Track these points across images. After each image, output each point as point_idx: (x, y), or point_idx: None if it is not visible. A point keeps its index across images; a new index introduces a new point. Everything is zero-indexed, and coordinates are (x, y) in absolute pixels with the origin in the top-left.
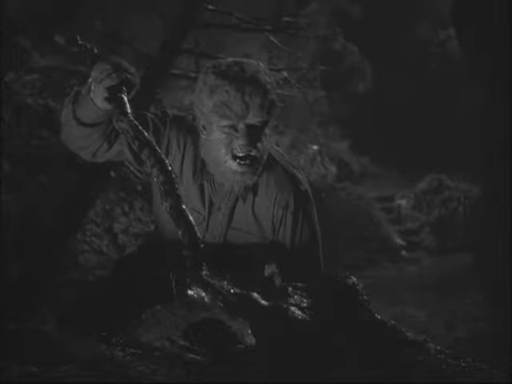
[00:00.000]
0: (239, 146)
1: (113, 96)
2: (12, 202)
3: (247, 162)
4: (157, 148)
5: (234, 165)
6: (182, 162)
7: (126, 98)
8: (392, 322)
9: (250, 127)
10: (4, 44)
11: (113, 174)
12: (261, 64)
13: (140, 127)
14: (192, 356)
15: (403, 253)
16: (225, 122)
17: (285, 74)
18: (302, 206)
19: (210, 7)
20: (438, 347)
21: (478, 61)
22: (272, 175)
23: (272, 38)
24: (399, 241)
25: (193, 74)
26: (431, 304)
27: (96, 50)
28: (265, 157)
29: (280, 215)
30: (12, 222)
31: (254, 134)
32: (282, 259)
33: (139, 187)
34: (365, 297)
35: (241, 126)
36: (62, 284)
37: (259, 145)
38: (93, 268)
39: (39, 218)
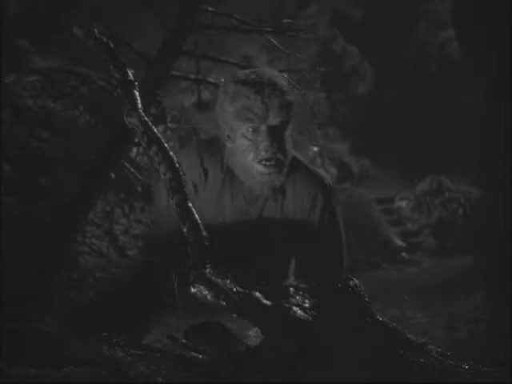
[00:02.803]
0: (264, 147)
1: (125, 91)
2: (12, 203)
3: (272, 162)
4: (165, 145)
5: (260, 167)
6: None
7: (137, 94)
8: (393, 323)
9: (271, 128)
10: (5, 46)
11: (113, 175)
12: (275, 71)
13: (150, 123)
14: (194, 354)
15: (403, 254)
16: (248, 125)
17: (285, 75)
18: (329, 198)
19: (211, 9)
20: (439, 349)
21: (477, 62)
22: (298, 175)
23: (272, 40)
24: (399, 242)
25: (193, 76)
26: (431, 306)
27: (112, 44)
28: (289, 158)
29: (308, 208)
30: (12, 223)
31: (276, 135)
32: (308, 253)
33: (139, 188)
34: (366, 298)
35: (263, 128)
36: (62, 285)
37: (282, 147)
38: (93, 269)
39: (39, 219)
